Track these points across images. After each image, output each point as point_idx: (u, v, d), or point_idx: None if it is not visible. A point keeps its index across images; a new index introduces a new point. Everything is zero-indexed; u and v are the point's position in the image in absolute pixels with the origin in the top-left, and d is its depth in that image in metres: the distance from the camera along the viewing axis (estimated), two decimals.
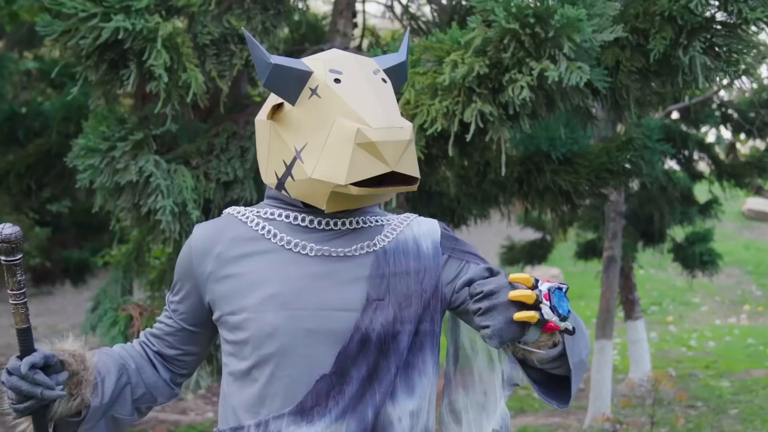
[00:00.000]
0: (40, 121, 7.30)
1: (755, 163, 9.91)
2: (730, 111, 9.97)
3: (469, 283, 1.90)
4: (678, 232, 10.88)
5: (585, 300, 15.60)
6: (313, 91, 1.97)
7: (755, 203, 21.69)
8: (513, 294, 1.78)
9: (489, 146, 4.07)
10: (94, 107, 4.37)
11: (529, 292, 1.78)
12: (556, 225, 11.05)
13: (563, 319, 1.81)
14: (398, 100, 4.02)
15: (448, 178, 4.98)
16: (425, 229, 2.14)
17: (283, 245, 2.04)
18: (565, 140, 5.27)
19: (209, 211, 4.54)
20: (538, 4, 3.53)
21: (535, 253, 11.73)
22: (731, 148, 11.38)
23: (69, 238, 11.61)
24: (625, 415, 8.70)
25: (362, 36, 6.26)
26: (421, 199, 5.62)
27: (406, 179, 1.99)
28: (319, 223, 2.05)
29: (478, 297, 1.83)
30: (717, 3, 3.84)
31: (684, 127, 10.26)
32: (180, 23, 4.64)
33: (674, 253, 10.66)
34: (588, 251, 11.25)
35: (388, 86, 2.04)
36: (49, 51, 8.68)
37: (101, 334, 4.96)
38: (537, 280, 1.82)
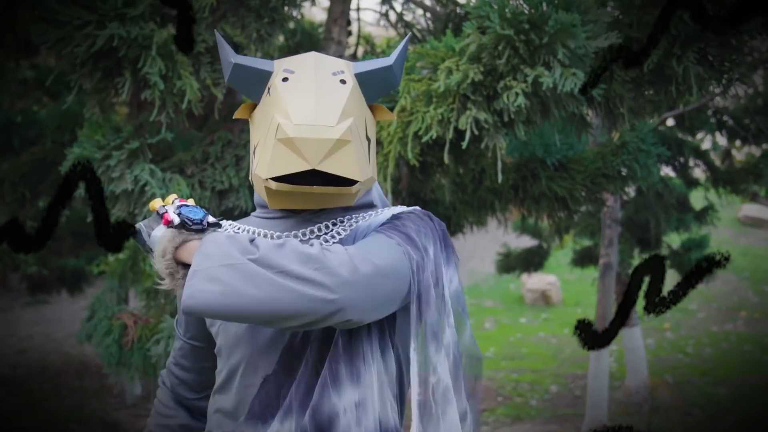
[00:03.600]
0: (35, 130, 7.30)
1: (751, 169, 9.92)
2: (725, 118, 9.98)
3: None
4: (674, 239, 10.89)
5: (582, 307, 15.60)
6: (268, 90, 2.01)
7: (751, 210, 21.71)
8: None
9: (484, 153, 4.07)
10: (89, 115, 4.36)
11: (158, 199, 2.00)
12: (552, 232, 11.08)
13: (180, 215, 1.94)
14: (393, 107, 4.03)
15: (444, 185, 4.97)
16: (384, 216, 2.08)
17: None
18: (560, 146, 5.27)
19: None
20: (533, 10, 3.53)
21: (531, 260, 11.74)
22: (727, 154, 11.39)
23: (65, 246, 11.59)
24: (622, 423, 8.69)
25: (357, 44, 6.27)
26: (418, 206, 5.61)
27: (342, 180, 1.97)
28: (279, 237, 2.04)
29: None
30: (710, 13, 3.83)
31: (679, 134, 10.27)
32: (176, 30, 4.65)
33: (670, 260, 10.65)
34: (584, 258, 11.26)
35: (344, 87, 2.01)
36: (44, 59, 8.69)
37: (96, 344, 4.96)
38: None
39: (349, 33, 5.40)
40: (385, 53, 4.41)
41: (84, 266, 11.08)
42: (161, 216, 1.93)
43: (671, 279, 11.26)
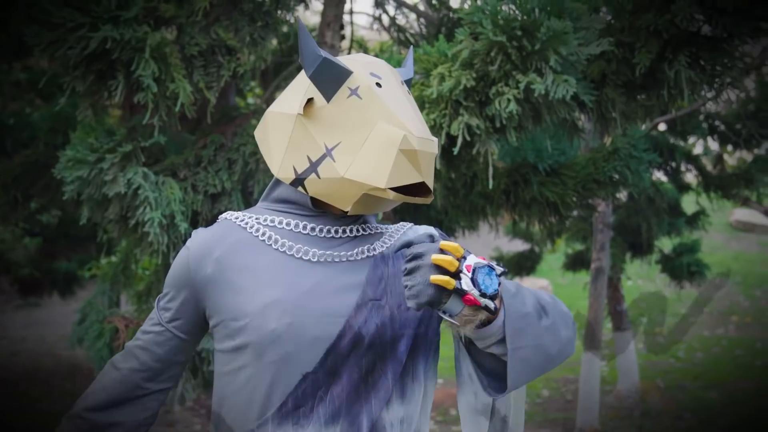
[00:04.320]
0: (28, 132, 7.29)
1: (742, 174, 9.94)
2: (716, 123, 10.00)
3: (408, 245, 1.92)
4: (666, 243, 10.91)
5: (573, 311, 15.57)
6: (353, 91, 1.96)
7: (743, 214, 21.75)
8: (435, 257, 1.77)
9: (476, 158, 4.07)
10: (82, 118, 4.36)
11: (451, 258, 1.77)
12: (544, 236, 11.10)
13: (484, 295, 1.79)
14: None
15: (435, 189, 4.98)
16: (422, 233, 2.11)
17: (284, 251, 2.01)
18: (551, 152, 5.28)
19: (197, 223, 4.54)
20: (525, 17, 3.54)
21: (523, 265, 11.75)
22: (719, 159, 11.42)
23: (58, 249, 11.58)
24: (613, 427, 8.71)
25: (350, 48, 6.27)
26: (408, 210, 5.62)
27: (424, 191, 2.00)
28: (321, 230, 2.04)
29: (407, 258, 1.83)
30: (702, 17, 3.85)
31: (671, 139, 10.29)
32: (168, 34, 4.65)
33: (662, 264, 10.69)
34: (576, 263, 11.28)
35: (412, 98, 2.07)
36: (37, 61, 8.68)
37: (87, 347, 4.95)
38: (468, 252, 1.83)
39: (342, 37, 5.41)
40: (378, 57, 4.41)
41: (76, 269, 11.06)
42: (460, 294, 1.81)
43: (662, 283, 11.34)
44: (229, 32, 4.48)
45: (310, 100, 2.01)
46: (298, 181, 2.01)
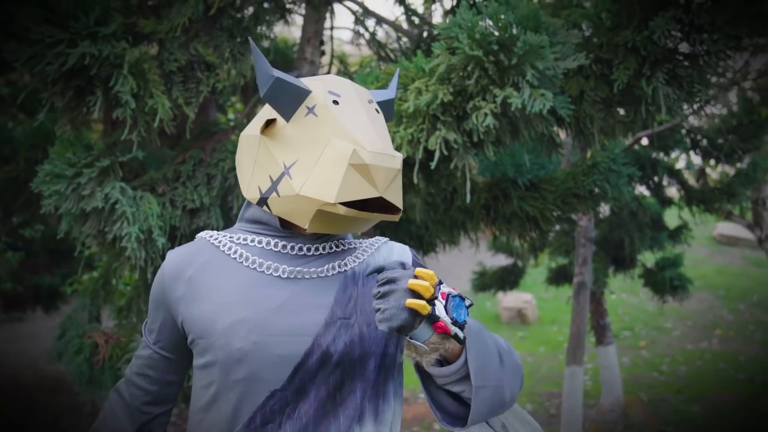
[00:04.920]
0: (10, 148, 7.27)
1: (724, 188, 9.98)
2: (698, 137, 10.05)
3: (380, 270, 1.92)
4: (648, 257, 10.93)
5: (557, 325, 15.63)
6: (310, 110, 1.99)
7: (726, 228, 21.85)
8: (412, 282, 1.80)
9: (454, 173, 4.08)
10: (61, 133, 4.36)
11: (426, 284, 1.81)
12: (527, 251, 11.11)
13: (455, 324, 1.84)
14: None
15: (415, 204, 4.99)
16: (397, 253, 2.18)
17: (255, 268, 2.04)
18: (531, 166, 5.30)
19: (175, 238, 4.54)
20: (502, 31, 3.55)
21: (506, 279, 11.75)
22: (701, 173, 11.46)
23: (40, 263, 11.54)
24: None
25: (330, 63, 6.28)
26: (389, 225, 5.63)
27: (390, 208, 2.02)
28: (292, 248, 2.06)
29: (380, 282, 1.85)
30: (680, 35, 3.87)
31: (653, 153, 10.33)
32: (152, 49, 4.65)
33: (645, 278, 10.71)
34: (559, 277, 11.29)
35: (381, 117, 2.07)
36: (20, 76, 8.67)
37: (67, 362, 4.94)
38: (440, 282, 1.86)
39: (323, 53, 5.42)
40: (357, 73, 4.42)
41: (59, 284, 11.03)
42: (432, 321, 1.85)
43: (645, 297, 11.36)
44: (208, 48, 4.49)
45: (272, 121, 2.04)
46: (263, 201, 2.04)
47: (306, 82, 2.06)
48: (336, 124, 1.95)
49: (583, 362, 9.33)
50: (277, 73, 2.00)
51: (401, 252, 2.21)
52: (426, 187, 4.50)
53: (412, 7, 6.08)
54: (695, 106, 4.29)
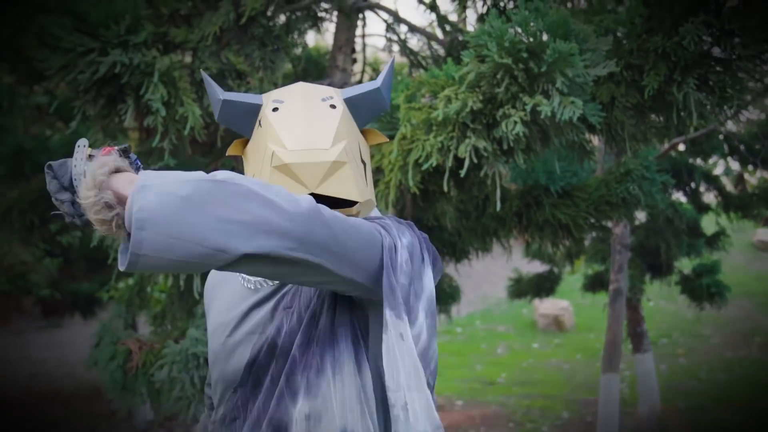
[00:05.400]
0: (46, 156, 7.35)
1: (762, 194, 9.89)
2: (735, 143, 9.96)
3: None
4: (685, 264, 10.84)
5: (594, 333, 15.54)
6: (259, 123, 2.03)
7: (766, 234, 21.62)
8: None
9: (485, 181, 4.08)
10: (93, 142, 4.39)
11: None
12: (563, 258, 11.06)
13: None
14: (393, 135, 4.05)
15: (447, 212, 4.98)
16: None
17: (240, 280, 2.11)
18: (563, 173, 5.28)
19: None
20: (531, 39, 3.54)
21: (542, 286, 11.70)
22: (740, 179, 11.36)
23: (78, 270, 11.65)
24: None
25: (363, 71, 6.29)
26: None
27: (342, 202, 2.00)
28: None
29: None
30: (710, 39, 3.84)
31: (690, 159, 10.25)
32: (187, 57, 4.68)
33: (682, 286, 10.61)
34: (596, 284, 11.21)
35: (335, 112, 2.05)
36: (57, 85, 8.75)
37: (101, 369, 4.97)
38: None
39: (354, 60, 5.43)
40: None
41: (96, 290, 11.13)
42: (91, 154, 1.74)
43: (683, 304, 11.28)
44: (239, 56, 4.51)
45: (246, 141, 2.10)
46: None
47: (264, 96, 2.10)
48: (270, 130, 1.98)
49: (620, 370, 9.27)
50: (225, 95, 2.04)
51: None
52: (457, 194, 4.49)
53: (443, 14, 6.08)
54: (730, 112, 4.24)
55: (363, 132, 2.16)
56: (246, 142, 2.10)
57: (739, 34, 3.73)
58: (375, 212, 2.21)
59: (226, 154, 2.15)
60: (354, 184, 1.97)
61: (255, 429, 1.96)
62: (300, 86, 2.11)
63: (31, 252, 11.32)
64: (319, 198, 1.93)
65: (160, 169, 4.45)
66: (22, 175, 7.38)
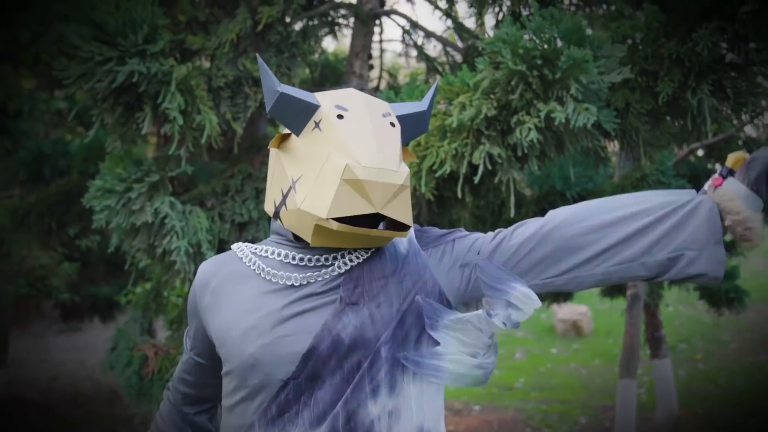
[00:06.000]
0: (65, 161, 7.41)
1: None
2: (755, 148, 9.92)
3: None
4: None
5: (613, 338, 15.49)
6: (317, 124, 1.99)
7: None
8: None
9: (500, 187, 4.08)
10: (111, 149, 4.43)
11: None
12: None
13: None
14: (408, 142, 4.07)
15: (463, 218, 4.99)
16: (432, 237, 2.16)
17: (270, 279, 2.06)
18: (580, 179, 5.28)
19: (224, 252, 4.58)
20: (545, 46, 3.55)
21: (560, 291, 11.67)
22: None
23: (97, 273, 11.71)
24: None
25: (380, 77, 6.31)
26: None
27: (397, 225, 2.01)
28: (309, 260, 2.06)
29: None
30: (725, 45, 3.84)
31: (708, 164, 10.22)
32: (199, 63, 4.71)
33: (700, 291, 10.58)
34: (614, 289, 11.17)
35: (395, 130, 2.03)
36: (76, 90, 8.82)
37: (117, 374, 5.00)
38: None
39: (371, 67, 5.45)
40: (403, 88, 4.43)
41: (115, 294, 11.19)
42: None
43: (702, 309, 11.24)
44: (255, 64, 4.53)
45: (288, 135, 2.07)
46: (276, 214, 2.07)
47: (318, 96, 2.07)
48: (336, 138, 1.95)
49: (637, 375, 9.25)
50: (283, 88, 2.00)
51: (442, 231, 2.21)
52: (473, 200, 4.50)
53: (460, 20, 6.09)
54: (747, 117, 4.24)
55: None
56: (286, 137, 2.08)
57: (754, 40, 3.73)
58: None
59: (269, 146, 2.10)
60: (409, 209, 1.98)
61: (319, 424, 1.94)
62: (357, 95, 2.08)
63: (50, 256, 11.41)
64: (375, 217, 1.99)
65: (176, 176, 4.51)
66: (42, 180, 7.44)
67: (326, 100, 2.04)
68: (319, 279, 2.04)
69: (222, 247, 4.60)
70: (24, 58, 6.38)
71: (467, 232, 2.16)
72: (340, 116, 1.98)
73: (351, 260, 2.06)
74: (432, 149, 3.89)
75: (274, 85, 2.01)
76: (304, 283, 2.04)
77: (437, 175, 3.85)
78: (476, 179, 3.75)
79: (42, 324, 16.30)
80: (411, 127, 2.15)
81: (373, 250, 2.07)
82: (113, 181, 4.36)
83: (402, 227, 2.02)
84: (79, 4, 4.00)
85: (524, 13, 4.71)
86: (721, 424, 10.57)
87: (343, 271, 2.05)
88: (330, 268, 2.05)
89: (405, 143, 2.13)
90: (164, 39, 4.04)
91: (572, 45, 3.53)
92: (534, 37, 3.58)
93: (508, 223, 5.37)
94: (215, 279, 2.13)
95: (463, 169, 3.79)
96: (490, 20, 5.18)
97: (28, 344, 15.22)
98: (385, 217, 2.07)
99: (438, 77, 4.08)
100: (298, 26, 4.97)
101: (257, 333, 2.00)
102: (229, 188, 4.69)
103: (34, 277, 12.18)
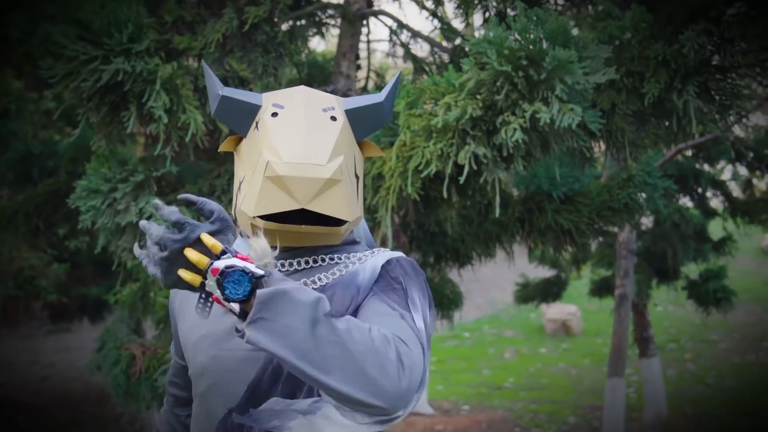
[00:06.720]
0: (54, 161, 7.40)
1: None
2: (742, 148, 9.96)
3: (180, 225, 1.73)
4: (692, 269, 10.85)
5: (602, 338, 15.53)
6: (257, 124, 1.97)
7: None
8: (187, 251, 1.67)
9: (486, 187, 4.09)
10: (96, 148, 4.42)
11: (199, 257, 1.66)
12: (569, 263, 11.08)
13: (228, 299, 1.66)
14: (393, 142, 4.07)
15: (449, 218, 5.00)
16: (371, 264, 2.01)
17: None
18: (566, 179, 5.29)
19: None
20: (531, 46, 3.55)
21: (549, 291, 11.72)
22: (748, 184, 11.36)
23: (87, 274, 11.70)
24: None
25: (367, 77, 6.31)
26: (425, 239, 5.65)
27: (331, 219, 1.95)
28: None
29: (155, 236, 1.69)
30: (711, 47, 3.85)
31: (696, 165, 10.27)
32: (186, 62, 4.70)
33: (688, 291, 10.63)
34: (602, 289, 11.23)
35: (335, 124, 1.99)
36: (63, 90, 8.79)
37: (105, 374, 5.00)
38: (228, 253, 1.68)
39: (358, 67, 5.45)
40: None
41: (105, 295, 11.17)
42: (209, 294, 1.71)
43: (691, 309, 11.27)
44: (242, 63, 4.53)
45: (241, 138, 2.04)
46: (234, 217, 2.03)
47: (264, 96, 2.04)
48: (267, 136, 1.92)
49: (625, 374, 9.27)
50: (225, 91, 1.99)
51: (376, 262, 2.02)
52: (459, 200, 4.50)
53: (447, 20, 6.10)
54: (733, 118, 4.25)
55: (359, 144, 2.10)
56: (240, 140, 2.04)
57: (739, 42, 3.74)
58: (363, 230, 2.21)
59: (219, 150, 2.09)
60: (345, 203, 1.92)
61: None
62: (302, 91, 2.05)
63: (40, 257, 11.40)
64: (308, 214, 1.92)
65: (163, 175, 4.51)
66: (30, 180, 7.42)
67: (268, 99, 2.02)
68: None
69: None
70: (12, 58, 6.36)
71: (394, 298, 1.93)
72: (274, 114, 1.96)
73: (320, 279, 2.00)
74: (418, 149, 3.89)
75: (216, 89, 1.99)
76: None
77: (423, 175, 3.85)
78: (462, 179, 3.75)
79: (31, 325, 16.27)
80: (367, 121, 2.08)
81: (344, 272, 2.01)
82: (98, 181, 4.35)
83: (336, 222, 1.96)
84: (65, 4, 3.99)
85: (511, 13, 4.71)
86: (710, 424, 10.61)
87: (317, 286, 2.00)
88: (306, 276, 2.00)
89: (362, 137, 2.08)
90: (149, 38, 4.03)
91: (557, 46, 3.53)
92: (519, 38, 3.59)
93: (495, 222, 5.40)
94: None
95: (449, 169, 3.80)
96: (478, 21, 5.17)
97: (17, 345, 15.20)
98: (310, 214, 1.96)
99: (431, 78, 4.07)
100: (285, 26, 4.96)
101: (208, 343, 1.99)
102: (215, 188, 4.69)
103: (22, 278, 12.17)
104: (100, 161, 4.45)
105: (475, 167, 3.75)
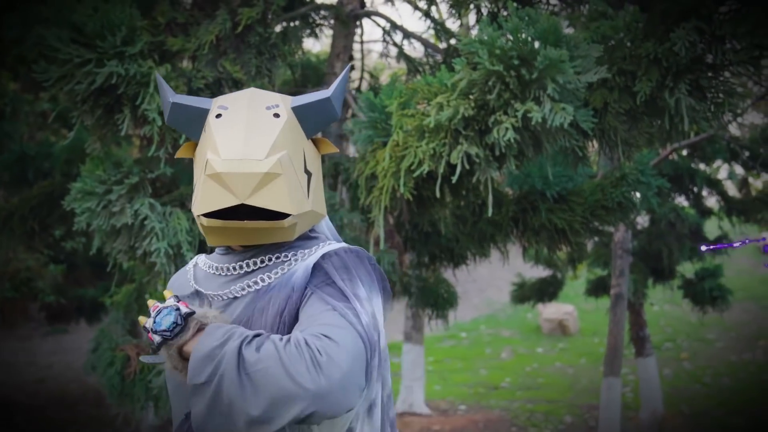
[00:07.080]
0: (49, 162, 7.40)
1: (765, 198, 9.90)
2: (737, 147, 9.97)
3: None
4: (688, 268, 10.86)
5: (599, 337, 15.54)
6: (204, 128, 1.99)
7: None
8: (149, 301, 1.95)
9: (479, 186, 4.09)
10: (90, 150, 4.43)
11: (152, 301, 1.94)
12: (564, 262, 11.08)
13: (155, 332, 1.87)
14: (386, 142, 4.08)
15: (443, 217, 5.01)
16: (310, 261, 2.02)
17: (194, 293, 2.09)
18: (559, 178, 5.30)
19: (204, 253, 4.58)
20: (522, 46, 3.56)
21: (545, 290, 11.73)
22: (743, 183, 11.38)
23: (84, 275, 11.69)
24: None
25: (361, 78, 6.32)
26: (420, 239, 5.65)
27: (274, 214, 1.94)
28: (224, 269, 2.06)
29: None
30: (702, 45, 3.86)
31: (692, 164, 10.27)
32: (180, 65, 4.71)
33: (684, 290, 10.64)
34: (598, 288, 11.24)
35: (278, 121, 1.99)
36: (56, 92, 8.79)
37: (100, 374, 5.01)
38: (175, 299, 1.92)
39: (352, 67, 5.46)
40: (383, 88, 4.44)
41: (101, 296, 11.17)
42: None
43: (687, 308, 11.28)
44: (235, 65, 4.54)
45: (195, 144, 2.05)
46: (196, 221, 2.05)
47: (218, 99, 2.06)
48: (210, 137, 1.94)
49: (622, 374, 9.28)
50: (175, 98, 2.01)
51: (316, 257, 2.03)
52: (453, 200, 4.51)
53: (440, 21, 6.11)
54: (726, 117, 4.26)
55: (314, 141, 2.12)
56: (196, 146, 2.06)
57: (731, 40, 3.75)
58: (325, 227, 2.19)
59: (175, 156, 2.12)
60: (287, 197, 1.92)
61: None
62: (249, 93, 2.07)
63: (36, 258, 11.39)
64: (251, 209, 1.93)
65: (157, 177, 4.51)
66: (26, 182, 7.42)
67: (216, 102, 2.04)
68: (224, 298, 2.03)
69: (203, 248, 4.60)
70: (7, 60, 6.36)
71: (329, 291, 1.94)
72: (218, 115, 1.98)
73: (263, 280, 2.02)
74: (410, 149, 3.90)
75: (168, 97, 2.02)
76: (213, 300, 2.04)
77: (416, 175, 3.86)
78: (455, 179, 3.76)
79: (28, 326, 16.27)
80: (315, 117, 2.08)
81: (286, 270, 2.02)
82: (93, 183, 4.36)
83: (279, 216, 1.95)
84: (59, 7, 4.00)
85: (504, 14, 4.72)
86: (706, 423, 10.62)
87: (247, 292, 2.02)
88: (233, 287, 2.03)
89: (313, 133, 2.10)
90: (142, 40, 4.04)
91: (549, 45, 3.53)
92: (511, 38, 3.59)
93: (489, 222, 5.41)
94: (172, 290, 2.15)
95: (442, 169, 3.80)
96: (471, 21, 5.18)
97: (14, 347, 15.20)
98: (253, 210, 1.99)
99: (423, 79, 4.07)
100: (278, 28, 4.97)
101: None
102: None
103: (19, 279, 12.15)
104: (95, 163, 4.46)
105: (467, 167, 3.76)
